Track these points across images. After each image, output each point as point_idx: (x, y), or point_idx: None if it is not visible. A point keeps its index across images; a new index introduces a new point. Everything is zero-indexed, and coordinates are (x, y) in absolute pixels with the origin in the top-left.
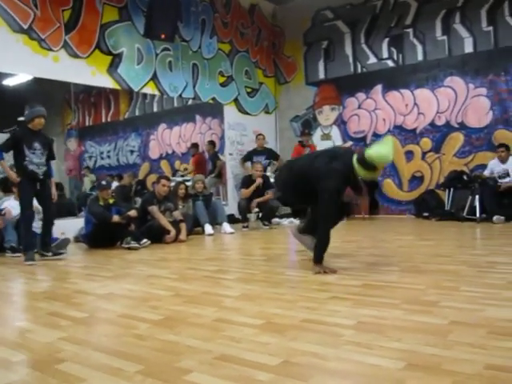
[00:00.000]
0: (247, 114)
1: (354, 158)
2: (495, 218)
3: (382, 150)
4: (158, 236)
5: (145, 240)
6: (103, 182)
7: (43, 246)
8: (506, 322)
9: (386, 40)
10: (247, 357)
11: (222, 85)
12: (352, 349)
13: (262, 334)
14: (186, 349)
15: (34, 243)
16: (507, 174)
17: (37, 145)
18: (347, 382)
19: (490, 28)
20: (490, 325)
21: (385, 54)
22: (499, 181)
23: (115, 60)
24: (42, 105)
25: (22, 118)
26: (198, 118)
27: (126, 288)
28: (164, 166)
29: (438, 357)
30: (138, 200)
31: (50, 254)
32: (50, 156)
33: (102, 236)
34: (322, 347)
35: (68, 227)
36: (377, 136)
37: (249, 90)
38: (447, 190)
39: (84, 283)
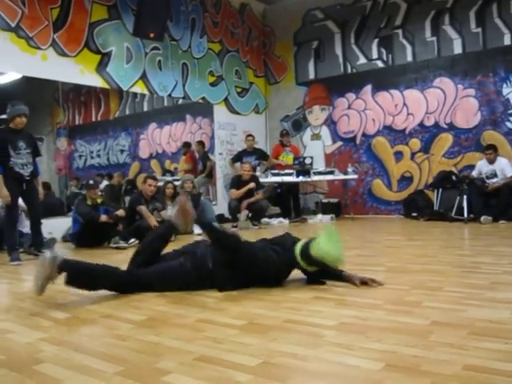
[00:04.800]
0: (237, 113)
1: (297, 250)
2: (483, 218)
3: (332, 252)
4: (146, 236)
5: (133, 239)
6: (91, 182)
7: (36, 245)
8: (486, 322)
9: (376, 40)
10: (227, 358)
11: (212, 84)
12: (332, 349)
13: (243, 334)
14: (167, 350)
15: (18, 243)
16: (495, 175)
17: (22, 144)
18: (325, 382)
19: (479, 29)
20: (471, 325)
21: (374, 55)
22: (487, 181)
23: (104, 59)
24: (31, 104)
25: (3, 116)
26: (188, 117)
27: None
28: (154, 165)
29: (417, 358)
30: (128, 199)
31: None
32: (36, 153)
33: (90, 236)
34: (303, 348)
35: (56, 227)
36: (366, 136)
37: (239, 89)
38: (436, 190)
39: None
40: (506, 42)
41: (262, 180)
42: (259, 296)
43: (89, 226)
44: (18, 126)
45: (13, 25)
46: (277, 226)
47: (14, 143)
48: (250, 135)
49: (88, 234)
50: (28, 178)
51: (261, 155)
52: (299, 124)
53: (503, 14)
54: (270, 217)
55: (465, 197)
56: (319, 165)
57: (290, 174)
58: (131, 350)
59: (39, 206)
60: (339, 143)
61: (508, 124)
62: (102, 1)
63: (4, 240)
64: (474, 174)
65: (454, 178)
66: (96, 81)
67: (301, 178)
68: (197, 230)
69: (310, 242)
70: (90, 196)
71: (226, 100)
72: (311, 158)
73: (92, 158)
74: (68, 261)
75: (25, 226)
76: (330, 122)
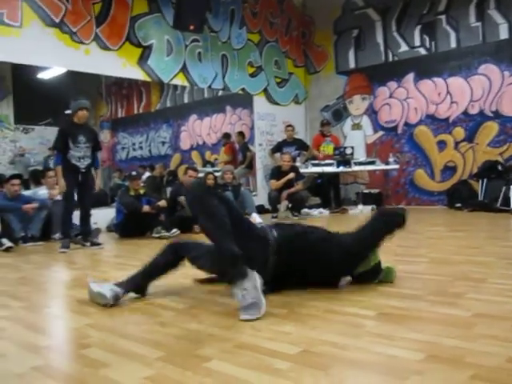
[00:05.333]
0: (277, 104)
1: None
2: None
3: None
4: (187, 226)
5: (174, 230)
6: (133, 173)
7: (83, 235)
8: None
9: (418, 27)
10: (267, 345)
11: (252, 75)
12: (372, 339)
13: (283, 323)
14: (208, 337)
15: (71, 233)
16: None
17: (81, 138)
18: (366, 372)
19: None
20: None
21: (417, 42)
22: None
23: (145, 52)
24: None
25: (69, 112)
26: (228, 108)
27: None
28: (195, 156)
29: (459, 349)
30: (169, 190)
31: (89, 243)
32: (96, 148)
33: (133, 226)
34: (343, 337)
35: (100, 217)
36: (408, 126)
37: (278, 80)
38: (481, 181)
39: (114, 272)
40: None
41: (302, 170)
42: (299, 285)
43: (132, 216)
44: (81, 119)
45: (57, 20)
46: (317, 216)
47: (75, 136)
48: (289, 125)
49: (131, 224)
50: (84, 171)
51: (301, 145)
52: (340, 114)
53: None
54: (311, 207)
55: (511, 187)
56: (360, 155)
57: (331, 165)
58: (173, 336)
59: (90, 198)
60: (380, 133)
61: None
62: None
63: (59, 227)
64: None
65: (499, 167)
66: (137, 74)
67: (341, 169)
68: None
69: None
70: (133, 187)
71: (265, 91)
72: (352, 148)
73: (134, 149)
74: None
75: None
76: (371, 112)
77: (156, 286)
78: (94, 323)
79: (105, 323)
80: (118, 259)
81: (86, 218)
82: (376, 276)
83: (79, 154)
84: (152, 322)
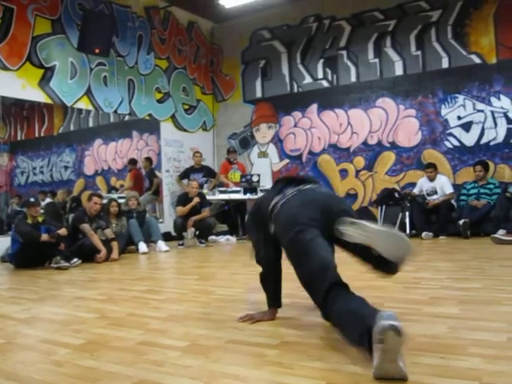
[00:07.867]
0: (184, 130)
1: None
2: (424, 234)
3: None
4: (89, 255)
5: (75, 259)
6: (31, 199)
7: None
8: (423, 337)
9: (321, 61)
10: (167, 381)
11: (159, 101)
12: (274, 369)
13: (185, 356)
14: (105, 374)
15: None
16: (435, 192)
17: None
18: None
19: (419, 52)
20: (410, 341)
21: (320, 75)
22: (428, 198)
23: (47, 73)
24: None
25: None
26: (134, 133)
27: (49, 311)
28: (100, 182)
29: (357, 375)
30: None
31: None
32: None
33: (30, 256)
34: (244, 368)
35: None
36: (312, 154)
37: (186, 106)
38: (379, 207)
39: (5, 307)
40: (444, 65)
41: (209, 197)
42: (203, 316)
43: (29, 245)
44: None
45: None
46: (224, 243)
47: None
48: (197, 152)
49: (28, 254)
50: None
51: (208, 172)
52: (247, 141)
53: (441, 38)
54: (218, 234)
55: (407, 213)
56: (266, 182)
57: (238, 192)
58: (67, 375)
59: None
60: (286, 161)
61: (447, 143)
62: (46, 14)
63: None
64: (416, 191)
65: (396, 195)
66: (38, 96)
67: (248, 196)
68: (142, 248)
69: None
70: (31, 214)
71: (172, 117)
72: (258, 175)
73: (35, 174)
74: None
75: None
76: (277, 140)
77: (52, 320)
78: None
79: None
80: (10, 292)
81: None
82: None
83: None
84: (45, 360)
